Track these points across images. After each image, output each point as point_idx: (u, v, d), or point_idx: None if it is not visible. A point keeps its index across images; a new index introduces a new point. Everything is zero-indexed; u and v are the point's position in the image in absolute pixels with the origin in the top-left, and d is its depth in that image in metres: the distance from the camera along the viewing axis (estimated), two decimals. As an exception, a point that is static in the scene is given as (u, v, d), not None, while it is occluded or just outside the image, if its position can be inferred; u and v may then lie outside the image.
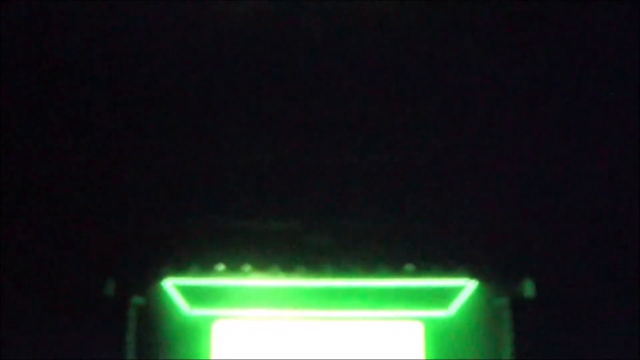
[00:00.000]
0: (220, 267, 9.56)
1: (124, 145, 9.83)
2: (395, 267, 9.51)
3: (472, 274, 9.71)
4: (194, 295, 9.86)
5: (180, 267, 9.61)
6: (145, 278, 9.75)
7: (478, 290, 9.85)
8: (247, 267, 9.60)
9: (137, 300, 9.53)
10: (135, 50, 9.68)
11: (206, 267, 9.56)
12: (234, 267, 9.56)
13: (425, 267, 9.53)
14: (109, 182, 9.78)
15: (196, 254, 9.53)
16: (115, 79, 9.76)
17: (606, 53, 9.42)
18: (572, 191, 9.59)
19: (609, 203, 9.57)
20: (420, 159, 9.66)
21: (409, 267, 9.52)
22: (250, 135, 9.81)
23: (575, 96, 9.69)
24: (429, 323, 9.97)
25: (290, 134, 9.71)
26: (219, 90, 9.83)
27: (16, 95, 9.58)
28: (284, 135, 9.73)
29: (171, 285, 9.84)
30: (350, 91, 9.68)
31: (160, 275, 9.78)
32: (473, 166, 9.68)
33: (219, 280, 9.72)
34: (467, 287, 9.78)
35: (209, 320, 9.87)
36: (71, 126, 9.78)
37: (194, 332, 9.80)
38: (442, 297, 9.81)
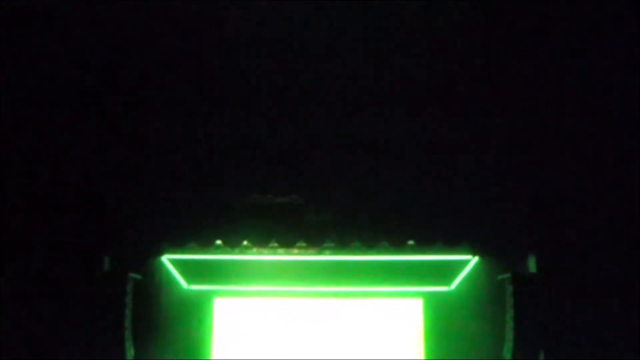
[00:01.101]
0: (219, 242, 9.41)
1: (120, 120, 9.67)
2: (396, 243, 9.38)
3: (474, 250, 9.61)
4: (192, 271, 9.73)
5: (177, 243, 9.46)
6: (142, 254, 9.62)
7: (479, 266, 9.75)
8: (245, 243, 9.47)
9: (135, 276, 9.37)
10: (132, 24, 9.53)
11: (204, 243, 9.41)
12: (232, 243, 9.41)
13: (427, 242, 9.40)
14: (106, 158, 9.61)
15: (194, 230, 9.38)
16: (113, 53, 9.60)
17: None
18: (575, 166, 9.48)
19: (613, 177, 9.47)
20: (422, 133, 9.52)
21: (410, 242, 9.40)
22: (248, 109, 9.66)
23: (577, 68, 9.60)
24: (429, 299, 9.87)
25: (290, 107, 9.56)
26: (218, 62, 9.69)
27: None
28: (284, 109, 9.58)
29: (169, 261, 9.72)
30: (350, 64, 9.55)
31: (157, 251, 9.65)
32: (476, 140, 9.55)
33: (217, 256, 9.60)
34: (469, 263, 9.70)
35: (207, 296, 9.75)
36: (68, 100, 9.62)
37: (193, 308, 9.67)
38: (444, 273, 9.70)
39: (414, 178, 9.55)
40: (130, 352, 9.08)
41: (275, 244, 9.46)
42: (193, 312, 9.68)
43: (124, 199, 9.46)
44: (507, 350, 9.08)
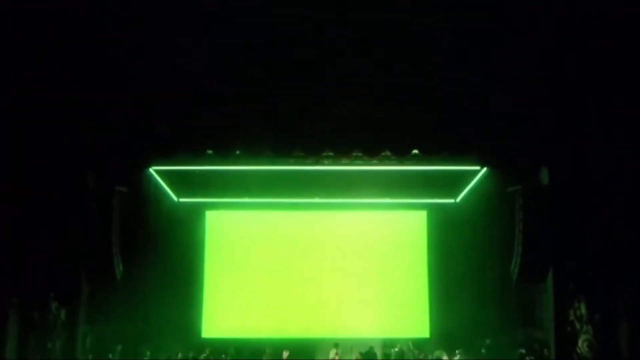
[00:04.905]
0: (210, 152, 8.79)
1: (108, 30, 8.87)
2: (400, 152, 8.76)
3: (483, 160, 9.04)
4: (182, 183, 9.24)
5: (166, 153, 8.84)
6: (128, 166, 9.04)
7: (488, 178, 9.23)
8: (238, 152, 8.83)
9: (121, 189, 8.84)
10: None
11: (194, 153, 8.79)
12: (224, 152, 8.78)
13: (432, 151, 8.79)
14: (89, 66, 8.84)
15: (183, 139, 8.73)
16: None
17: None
18: (588, 78, 8.78)
19: (627, 91, 8.80)
20: (429, 42, 8.73)
21: (415, 151, 8.78)
22: (245, 17, 8.82)
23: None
24: (434, 211, 9.46)
25: (289, 14, 8.72)
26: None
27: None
28: (282, 15, 8.74)
29: (157, 172, 9.19)
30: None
31: (145, 163, 9.07)
32: (486, 49, 8.76)
33: (209, 166, 9.04)
34: (477, 174, 9.18)
35: (199, 208, 9.32)
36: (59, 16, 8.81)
37: (183, 222, 9.27)
38: (450, 184, 9.22)
39: (420, 84, 8.81)
40: (119, 269, 8.67)
41: (271, 153, 8.86)
42: (184, 226, 9.28)
43: (107, 105, 8.75)
44: (515, 266, 8.68)
